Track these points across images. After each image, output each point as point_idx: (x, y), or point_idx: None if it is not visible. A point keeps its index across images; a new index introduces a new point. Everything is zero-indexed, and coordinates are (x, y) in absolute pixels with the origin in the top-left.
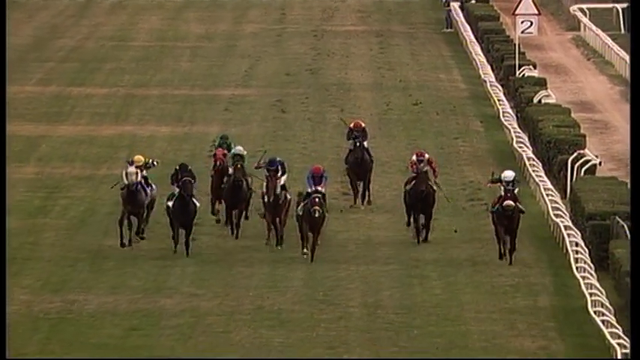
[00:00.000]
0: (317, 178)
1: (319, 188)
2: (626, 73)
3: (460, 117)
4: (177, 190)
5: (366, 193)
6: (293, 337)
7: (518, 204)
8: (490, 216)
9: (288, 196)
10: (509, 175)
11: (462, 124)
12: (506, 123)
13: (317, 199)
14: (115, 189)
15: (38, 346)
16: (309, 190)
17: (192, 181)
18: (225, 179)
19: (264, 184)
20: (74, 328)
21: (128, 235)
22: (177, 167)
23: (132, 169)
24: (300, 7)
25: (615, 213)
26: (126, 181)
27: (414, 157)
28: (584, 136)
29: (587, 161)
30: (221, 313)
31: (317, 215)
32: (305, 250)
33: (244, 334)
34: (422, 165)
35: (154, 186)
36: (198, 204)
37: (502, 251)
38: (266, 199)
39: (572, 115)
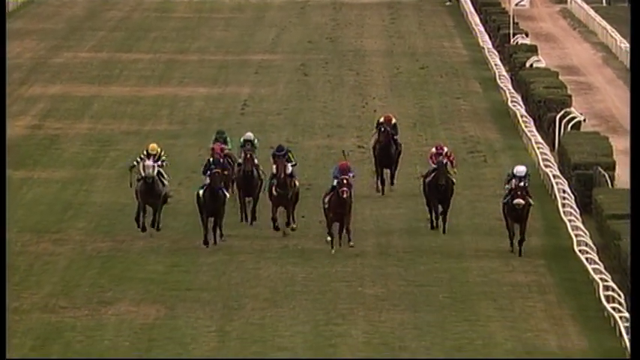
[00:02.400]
0: (344, 172)
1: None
2: (607, 40)
3: (461, 79)
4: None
5: (393, 180)
6: (315, 273)
7: (528, 198)
8: (501, 207)
9: (297, 184)
10: (520, 170)
11: (463, 85)
12: (501, 85)
13: (345, 181)
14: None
15: (91, 280)
16: (335, 184)
17: (221, 173)
18: (236, 169)
19: (274, 167)
20: (122, 264)
21: (143, 221)
22: (210, 159)
23: (149, 162)
24: None
25: (598, 164)
26: (143, 174)
27: (434, 150)
28: (570, 96)
29: (573, 118)
30: (252, 252)
31: (345, 196)
32: (329, 238)
33: (272, 270)
34: (441, 158)
35: (167, 183)
36: (227, 194)
37: (512, 242)
38: (274, 190)
39: (560, 77)
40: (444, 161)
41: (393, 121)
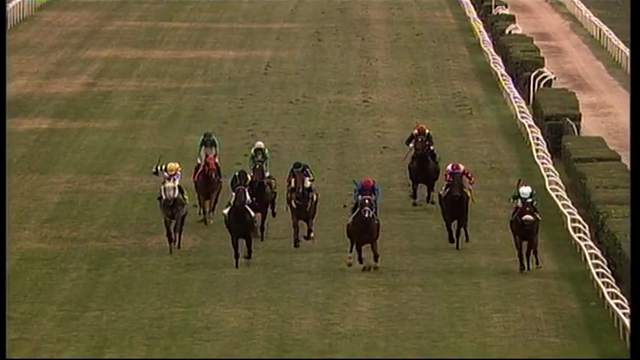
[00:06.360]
0: (367, 190)
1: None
2: (573, 10)
3: (451, 44)
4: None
5: (430, 194)
6: (327, 208)
7: (537, 215)
8: (509, 225)
9: (316, 197)
10: (525, 191)
11: (452, 49)
12: (485, 48)
13: (367, 201)
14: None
15: (137, 214)
16: (357, 200)
17: (247, 189)
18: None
19: (292, 180)
20: None
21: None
22: (237, 174)
23: (169, 184)
24: None
25: (566, 115)
26: (164, 196)
27: (449, 168)
28: (543, 58)
29: (545, 77)
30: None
31: (367, 216)
32: (349, 259)
33: None
34: (457, 172)
35: (186, 203)
36: (253, 214)
37: (522, 260)
38: (293, 202)
39: (534, 42)
40: (460, 175)
41: (427, 131)
